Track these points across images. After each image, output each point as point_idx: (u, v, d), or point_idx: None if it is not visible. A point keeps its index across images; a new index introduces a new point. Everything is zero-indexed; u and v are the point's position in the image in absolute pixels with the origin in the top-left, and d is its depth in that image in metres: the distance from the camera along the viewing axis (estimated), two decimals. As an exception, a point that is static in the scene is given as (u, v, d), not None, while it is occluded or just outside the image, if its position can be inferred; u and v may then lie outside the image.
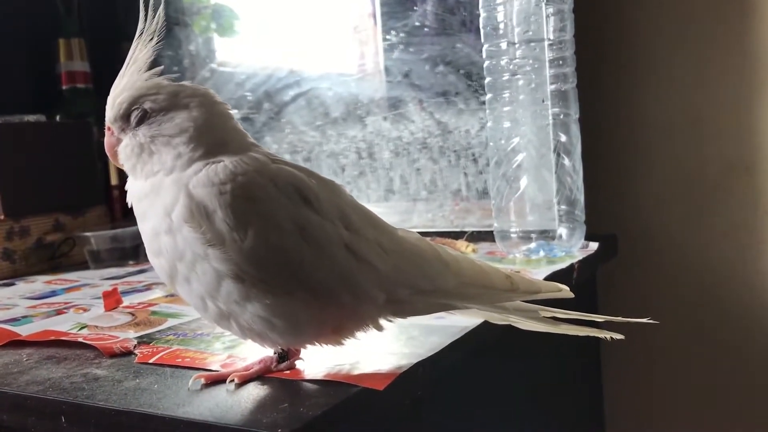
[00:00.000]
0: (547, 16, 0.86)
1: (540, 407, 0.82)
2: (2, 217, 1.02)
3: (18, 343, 0.65)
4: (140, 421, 0.46)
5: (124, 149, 0.52)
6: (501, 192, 0.89)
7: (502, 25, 0.86)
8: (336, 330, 0.51)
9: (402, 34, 1.00)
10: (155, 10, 0.52)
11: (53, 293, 0.89)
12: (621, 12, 0.98)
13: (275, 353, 0.52)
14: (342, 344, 0.52)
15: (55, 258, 1.08)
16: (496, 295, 0.54)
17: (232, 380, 0.50)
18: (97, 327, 0.68)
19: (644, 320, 0.58)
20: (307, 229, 0.47)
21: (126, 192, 0.53)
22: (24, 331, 0.68)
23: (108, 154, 0.54)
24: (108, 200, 1.19)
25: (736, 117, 0.96)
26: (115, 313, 0.73)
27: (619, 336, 0.57)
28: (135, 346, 0.61)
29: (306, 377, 0.50)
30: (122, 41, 1.29)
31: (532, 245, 0.88)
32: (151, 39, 0.52)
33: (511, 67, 0.87)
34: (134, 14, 1.34)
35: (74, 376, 0.55)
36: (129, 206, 0.52)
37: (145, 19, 0.52)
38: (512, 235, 0.88)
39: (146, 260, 1.05)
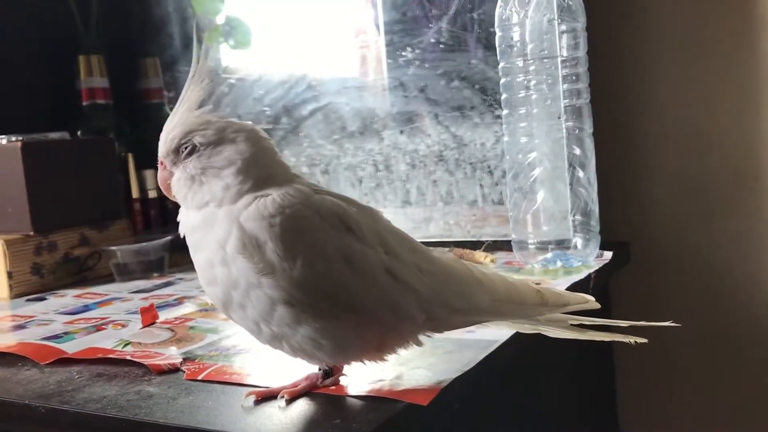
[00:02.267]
0: (560, 34, 0.89)
1: (560, 414, 0.85)
2: (31, 233, 1.05)
3: (65, 361, 0.68)
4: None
5: (176, 182, 0.55)
6: (518, 204, 0.92)
7: (517, 43, 0.89)
8: (379, 348, 0.54)
9: (417, 51, 1.03)
10: (206, 55, 0.55)
11: (86, 308, 0.92)
12: (630, 29, 1.02)
13: (320, 370, 0.56)
14: (385, 360, 0.55)
15: (82, 272, 1.11)
16: (527, 309, 0.57)
17: (283, 396, 0.53)
18: (140, 344, 0.71)
19: (666, 324, 0.61)
20: (350, 256, 0.51)
21: (177, 222, 0.56)
22: (69, 348, 0.71)
23: (161, 187, 0.57)
24: (129, 213, 1.22)
25: (740, 126, 0.99)
26: (155, 329, 0.76)
27: (642, 340, 0.60)
28: (181, 363, 0.64)
29: (351, 393, 0.53)
30: (139, 57, 1.33)
31: (549, 255, 0.91)
32: (203, 80, 0.55)
33: (526, 83, 0.90)
34: (150, 31, 1.37)
35: (128, 393, 0.58)
36: (182, 236, 0.56)
37: (197, 62, 0.55)
38: (530, 246, 0.92)
39: (170, 272, 1.10)
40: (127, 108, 1.30)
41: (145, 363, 0.63)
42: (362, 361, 0.55)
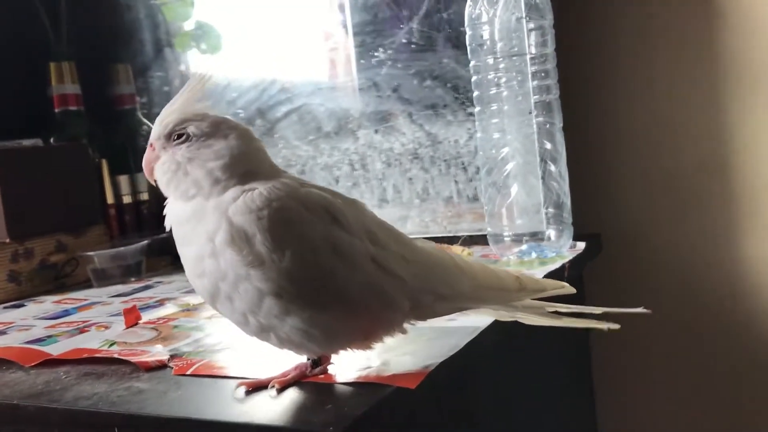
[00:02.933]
0: (529, 32, 0.92)
1: (540, 398, 0.87)
2: (7, 240, 1.04)
3: (50, 363, 0.68)
4: (198, 427, 0.50)
5: (161, 165, 0.56)
6: (492, 198, 0.95)
7: (486, 42, 0.92)
8: (366, 336, 0.55)
9: (390, 51, 1.04)
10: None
11: (66, 312, 0.92)
12: (597, 25, 1.04)
13: (308, 359, 0.57)
14: (372, 348, 0.56)
15: (60, 278, 1.11)
16: (507, 295, 0.59)
17: (273, 386, 0.54)
18: (126, 343, 0.71)
19: (638, 310, 0.63)
20: (338, 246, 0.52)
21: (162, 215, 0.57)
22: (53, 350, 0.72)
23: (144, 168, 0.58)
24: (105, 219, 1.22)
25: (707, 120, 1.02)
26: (139, 329, 0.77)
27: (615, 326, 0.62)
28: (169, 360, 0.64)
29: (340, 380, 0.55)
30: (111, 63, 1.33)
31: (524, 247, 0.93)
32: (209, 77, 0.56)
33: (496, 81, 0.92)
34: (121, 37, 1.36)
35: (118, 390, 0.59)
36: (168, 229, 0.57)
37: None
38: (505, 239, 0.94)
39: (148, 276, 1.10)
40: (100, 114, 1.30)
41: (133, 360, 0.64)
42: (350, 350, 0.56)
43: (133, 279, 1.11)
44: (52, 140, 1.23)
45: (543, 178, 0.94)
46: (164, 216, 0.57)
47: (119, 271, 1.11)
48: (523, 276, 0.60)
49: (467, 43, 0.92)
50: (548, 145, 0.93)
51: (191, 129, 0.55)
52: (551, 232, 0.94)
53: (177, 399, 0.55)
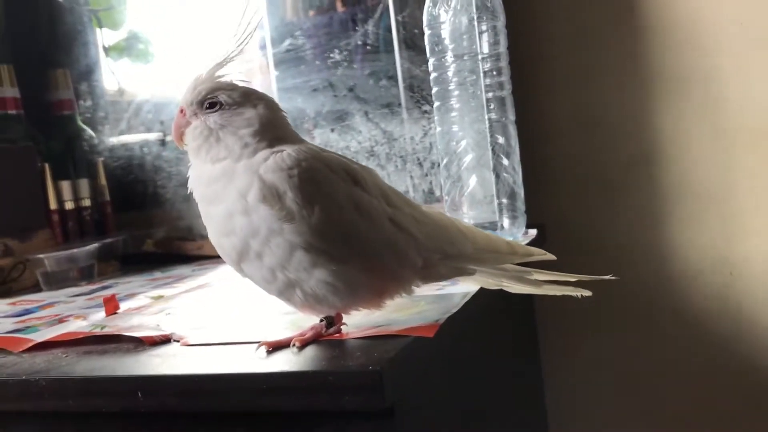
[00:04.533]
0: (480, 33, 0.98)
1: (503, 365, 0.93)
2: (-47, 243, 1.01)
3: (41, 348, 0.67)
4: (236, 381, 0.51)
5: (192, 131, 0.59)
6: (451, 190, 1.00)
7: (444, 41, 0.98)
8: (380, 294, 0.59)
9: (345, 52, 1.09)
10: (254, 30, 0.59)
11: (28, 311, 0.90)
12: (539, 27, 1.13)
13: (321, 321, 0.60)
14: (382, 307, 0.60)
15: (6, 283, 1.08)
16: (502, 257, 0.64)
17: (294, 344, 0.56)
18: (118, 326, 0.71)
19: (607, 277, 0.70)
20: (359, 204, 0.56)
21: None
22: (39, 337, 0.70)
23: (174, 133, 0.61)
24: (48, 225, 1.19)
25: (634, 116, 1.12)
26: (123, 314, 0.77)
27: (587, 293, 0.69)
28: (172, 335, 0.65)
29: (357, 336, 0.58)
30: (49, 68, 1.31)
31: (482, 234, 0.99)
32: (240, 52, 0.59)
33: (453, 78, 0.98)
34: (60, 42, 1.35)
35: (129, 361, 0.59)
36: (189, 192, 0.59)
37: (245, 35, 0.59)
38: (465, 227, 0.99)
39: (100, 280, 1.08)
40: (38, 119, 1.28)
41: (137, 335, 0.64)
42: (365, 308, 0.59)
43: (84, 282, 1.09)
44: (-10, 144, 1.20)
45: (496, 170, 1.00)
46: (188, 178, 0.60)
47: (70, 275, 1.08)
48: (512, 242, 0.66)
49: (426, 42, 0.98)
50: (501, 139, 1.00)
51: (223, 97, 0.58)
52: (505, 221, 1.00)
53: (198, 360, 0.57)
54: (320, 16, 1.11)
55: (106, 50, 1.36)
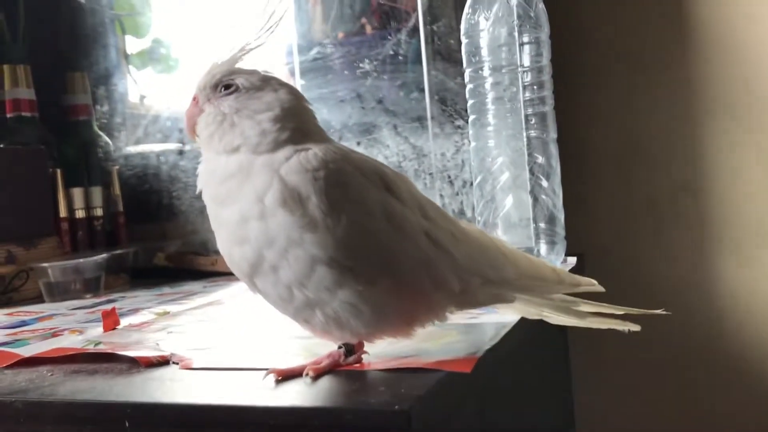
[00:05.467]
0: (521, 45, 0.91)
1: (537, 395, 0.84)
2: (-47, 247, 0.95)
3: (27, 364, 0.60)
4: (230, 416, 0.44)
5: (204, 117, 0.52)
6: (484, 211, 0.92)
7: (483, 51, 0.91)
8: (411, 320, 0.51)
9: (375, 62, 1.02)
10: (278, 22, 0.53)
11: (24, 323, 0.83)
12: (583, 40, 1.06)
13: (340, 347, 0.52)
14: (411, 336, 0.52)
15: (7, 292, 1.02)
16: (547, 286, 0.56)
17: (308, 374, 0.49)
18: (113, 343, 0.64)
19: (659, 312, 0.62)
20: (392, 215, 0.49)
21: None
22: (26, 351, 0.64)
23: (186, 123, 0.54)
24: (57, 233, 1.13)
25: (681, 142, 1.05)
26: (123, 331, 0.70)
27: (636, 327, 0.61)
28: (172, 356, 0.58)
29: (380, 368, 0.50)
30: (67, 71, 1.26)
31: (517, 261, 0.91)
32: (262, 43, 0.53)
33: (490, 90, 0.91)
34: (80, 45, 1.30)
35: (120, 384, 0.52)
36: (199, 191, 0.52)
37: (268, 25, 0.53)
38: (498, 251, 0.91)
39: (107, 293, 1.02)
40: (53, 123, 1.22)
41: (132, 355, 0.57)
42: (392, 336, 0.52)
43: (89, 295, 1.02)
44: (2, 146, 1.14)
45: (533, 191, 0.92)
46: (198, 174, 0.53)
47: (75, 286, 1.02)
48: (558, 269, 0.58)
49: (462, 51, 0.91)
50: (540, 159, 0.92)
51: (240, 80, 0.52)
52: (542, 247, 0.92)
53: (196, 389, 0.49)
54: (350, 32, 1.04)
55: (129, 58, 1.31)
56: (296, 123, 0.51)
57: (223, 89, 0.52)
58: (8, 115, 1.16)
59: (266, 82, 0.52)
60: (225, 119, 0.51)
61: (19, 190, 1.05)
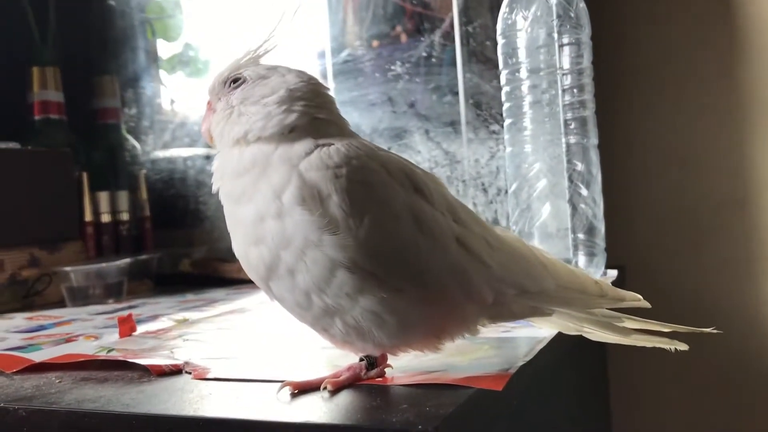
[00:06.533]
0: (561, 46, 0.87)
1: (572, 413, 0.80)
2: (-25, 249, 0.93)
3: (36, 369, 0.58)
4: (238, 430, 0.41)
5: (215, 117, 0.50)
6: (519, 220, 0.88)
7: (519, 52, 0.87)
8: (440, 332, 0.47)
9: (408, 65, 0.99)
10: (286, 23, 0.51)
11: (42, 327, 0.81)
12: (628, 46, 1.01)
13: (361, 360, 0.48)
14: (439, 350, 0.48)
15: (30, 296, 1.00)
16: (588, 300, 0.52)
17: (326, 388, 0.45)
18: (127, 350, 0.61)
19: (709, 330, 0.58)
20: (420, 218, 0.45)
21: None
22: (38, 357, 0.61)
23: (203, 130, 0.52)
24: (81, 237, 1.11)
25: (728, 154, 0.99)
26: (137, 337, 0.67)
27: (683, 347, 0.56)
28: (185, 365, 0.55)
29: (404, 383, 0.46)
30: (97, 74, 1.24)
31: (553, 272, 0.86)
32: (274, 46, 0.51)
33: (528, 94, 0.87)
34: (110, 48, 1.29)
35: (129, 393, 0.49)
36: (215, 190, 0.49)
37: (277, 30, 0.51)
38: (533, 262, 0.87)
39: (129, 299, 0.99)
40: (81, 126, 1.21)
41: (143, 364, 0.54)
42: (418, 349, 0.48)
43: (111, 300, 1.00)
44: (29, 148, 1.13)
45: (572, 200, 0.88)
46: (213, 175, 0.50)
47: (97, 291, 1.00)
48: (601, 281, 0.54)
49: (499, 53, 0.87)
50: (580, 166, 0.88)
51: (247, 72, 0.49)
52: (581, 259, 0.88)
53: (206, 400, 0.46)
54: (383, 24, 1.01)
55: (160, 62, 1.30)
56: (307, 107, 0.48)
57: (231, 84, 0.50)
58: (36, 117, 1.15)
59: (273, 69, 0.50)
60: (233, 111, 0.49)
61: (44, 193, 1.04)
